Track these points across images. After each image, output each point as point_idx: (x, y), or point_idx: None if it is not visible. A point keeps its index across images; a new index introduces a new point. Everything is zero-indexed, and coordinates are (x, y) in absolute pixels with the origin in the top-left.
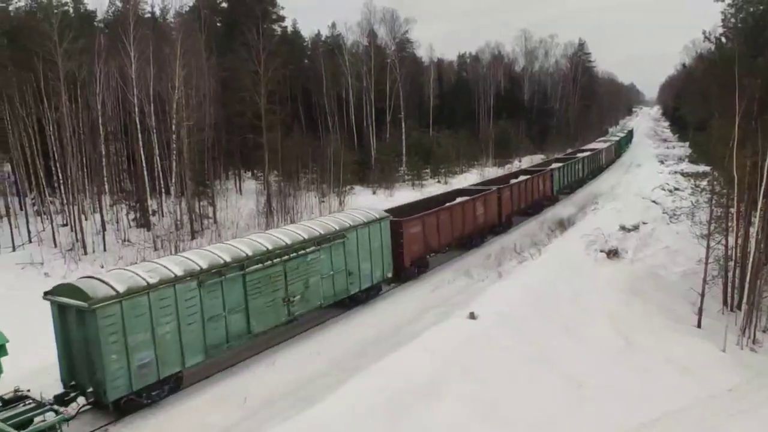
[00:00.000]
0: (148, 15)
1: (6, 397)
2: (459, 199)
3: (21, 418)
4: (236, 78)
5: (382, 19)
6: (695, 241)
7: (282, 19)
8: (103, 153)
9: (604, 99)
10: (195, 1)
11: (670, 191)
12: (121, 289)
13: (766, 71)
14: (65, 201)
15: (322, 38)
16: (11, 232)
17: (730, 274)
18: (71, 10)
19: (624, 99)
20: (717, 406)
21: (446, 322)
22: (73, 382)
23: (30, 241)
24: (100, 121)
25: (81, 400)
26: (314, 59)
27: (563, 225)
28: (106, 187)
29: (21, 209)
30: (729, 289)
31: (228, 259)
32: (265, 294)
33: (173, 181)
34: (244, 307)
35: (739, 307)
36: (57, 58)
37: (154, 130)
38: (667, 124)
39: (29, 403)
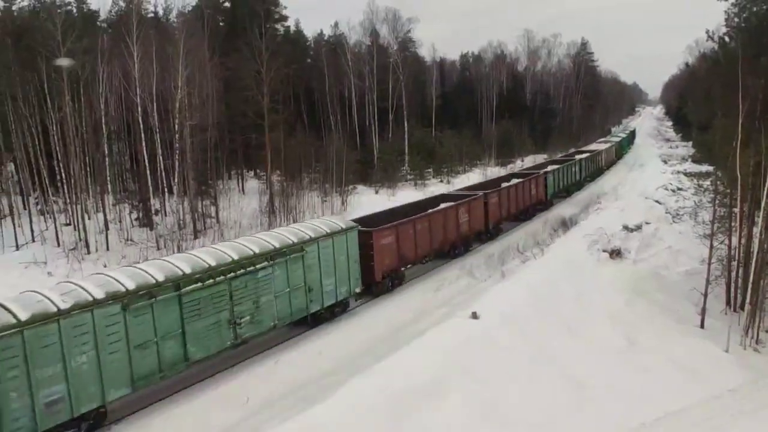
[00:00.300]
0: (151, 15)
1: None
2: (443, 205)
3: None
4: (239, 77)
5: (384, 18)
6: (698, 241)
7: (285, 18)
8: (106, 152)
9: (607, 99)
10: (198, 0)
11: (673, 191)
12: (23, 316)
13: None
14: (68, 200)
15: (325, 38)
16: (15, 231)
17: (733, 275)
18: (74, 10)
19: (627, 99)
20: (719, 406)
21: (448, 322)
22: None
23: (33, 241)
24: (103, 121)
25: None
26: (317, 59)
27: (566, 225)
28: (109, 186)
29: (24, 208)
30: (732, 290)
31: (160, 279)
32: (207, 316)
33: (176, 180)
34: (181, 331)
35: (742, 308)
36: (60, 57)
37: (157, 130)
38: (670, 123)
39: None
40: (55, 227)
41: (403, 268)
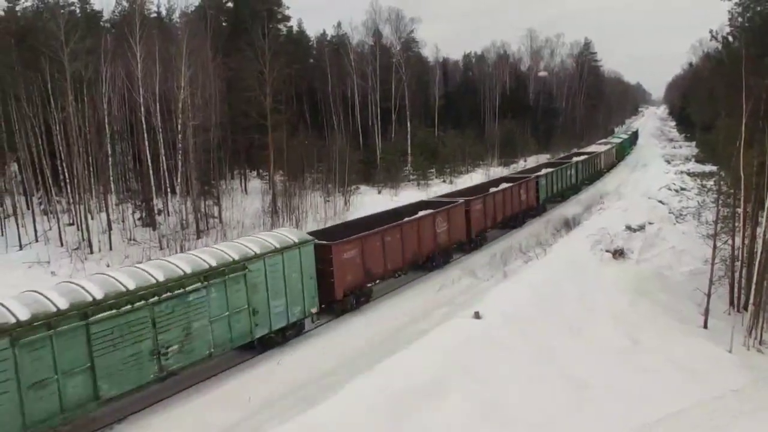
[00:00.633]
0: (154, 15)
1: None
2: (422, 213)
3: None
4: (242, 78)
5: (387, 18)
6: (701, 241)
7: (287, 18)
8: (109, 152)
9: (611, 99)
10: (200, 1)
11: (677, 191)
12: None
13: None
14: (71, 200)
15: (328, 38)
16: (18, 231)
17: (737, 275)
18: (78, 11)
19: (630, 99)
20: (722, 406)
21: (451, 322)
22: None
23: (36, 240)
24: (106, 121)
25: None
26: (320, 59)
27: (569, 225)
28: (112, 186)
29: (28, 208)
30: (735, 290)
31: (63, 306)
32: (123, 347)
33: (179, 180)
34: (89, 366)
35: (745, 308)
36: (63, 58)
37: (160, 130)
38: (673, 123)
39: None
40: (59, 227)
41: (370, 284)
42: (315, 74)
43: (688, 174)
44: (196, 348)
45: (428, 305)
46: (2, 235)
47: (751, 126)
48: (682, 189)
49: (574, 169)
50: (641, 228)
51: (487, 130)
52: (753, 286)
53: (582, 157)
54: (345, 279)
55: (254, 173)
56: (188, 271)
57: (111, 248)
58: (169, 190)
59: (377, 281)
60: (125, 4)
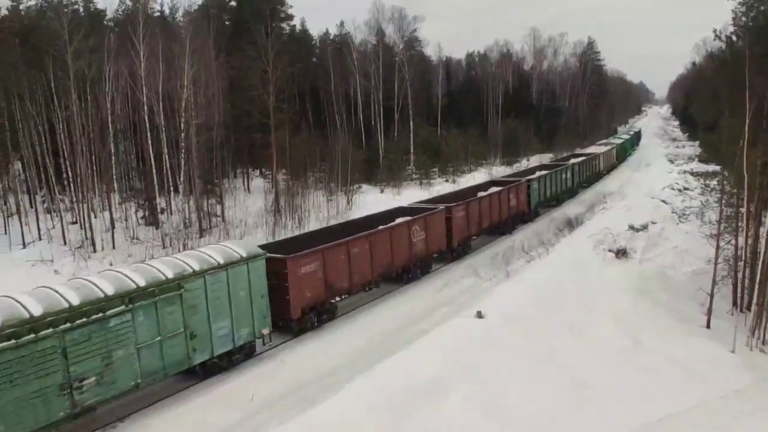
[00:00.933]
0: (157, 14)
1: None
2: (399, 220)
3: None
4: (245, 77)
5: (390, 17)
6: (704, 241)
7: (290, 17)
8: (113, 151)
9: (614, 98)
10: (204, 0)
11: (680, 191)
12: None
13: None
14: (75, 199)
15: (331, 37)
16: (21, 229)
17: (740, 275)
18: (81, 9)
19: (633, 98)
20: (725, 407)
21: (453, 321)
22: None
23: (40, 239)
24: (109, 120)
25: None
26: (322, 58)
27: (571, 224)
28: (115, 185)
29: (31, 207)
30: (739, 290)
31: None
32: (25, 382)
33: (182, 179)
34: None
35: (748, 308)
36: (67, 57)
37: (163, 129)
38: (676, 123)
39: None
40: (62, 226)
41: (334, 300)
42: (318, 73)
43: (692, 174)
44: (118, 379)
45: (429, 305)
46: (5, 233)
47: (755, 125)
48: (685, 189)
49: (570, 171)
50: (644, 228)
51: (489, 130)
52: (756, 286)
53: (579, 159)
54: (303, 296)
55: (257, 172)
56: (110, 292)
57: (114, 247)
58: (172, 188)
59: (343, 296)
60: (128, 3)
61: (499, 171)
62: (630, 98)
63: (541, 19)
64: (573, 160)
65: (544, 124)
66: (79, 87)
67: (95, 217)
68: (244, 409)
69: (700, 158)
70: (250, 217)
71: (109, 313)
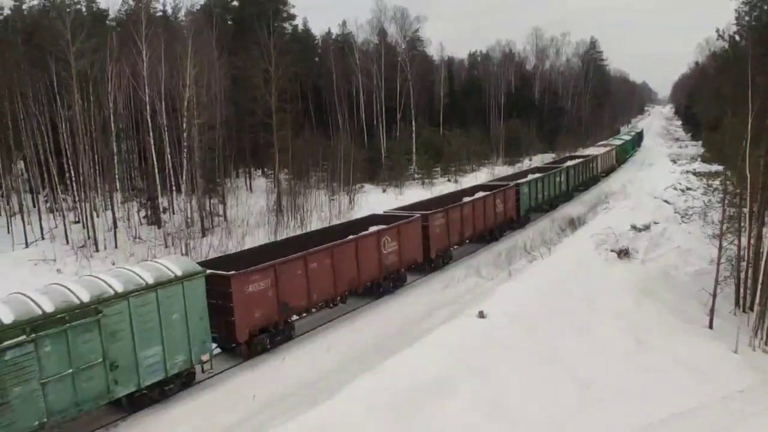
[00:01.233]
0: (160, 14)
1: None
2: (373, 228)
3: None
4: (247, 76)
5: (392, 17)
6: (707, 241)
7: (293, 17)
8: (115, 151)
9: (617, 98)
10: None
11: (682, 191)
12: None
13: None
14: (77, 198)
15: (333, 36)
16: (24, 228)
17: (743, 275)
18: (84, 9)
19: (636, 98)
20: (728, 407)
21: (455, 321)
22: None
23: (42, 238)
24: (111, 119)
25: None
26: (325, 57)
27: (574, 224)
28: (118, 184)
29: (34, 206)
30: (741, 290)
31: None
32: None
33: (184, 178)
34: None
35: (751, 308)
36: (69, 56)
37: (166, 128)
38: (679, 122)
39: None
40: (64, 225)
41: (291, 319)
42: (320, 73)
43: (694, 173)
44: (17, 419)
45: (432, 304)
46: (8, 232)
47: (758, 125)
48: (688, 188)
49: (565, 174)
50: (647, 228)
51: (492, 130)
52: (759, 287)
53: (574, 162)
54: (251, 316)
55: (259, 172)
56: (8, 320)
57: (116, 246)
58: (174, 188)
59: (303, 314)
60: (131, 2)
61: (502, 171)
62: (633, 98)
63: (544, 19)
64: (569, 163)
65: (546, 124)
66: (82, 86)
67: (98, 216)
68: (248, 407)
69: (703, 158)
70: (252, 216)
71: (4, 344)
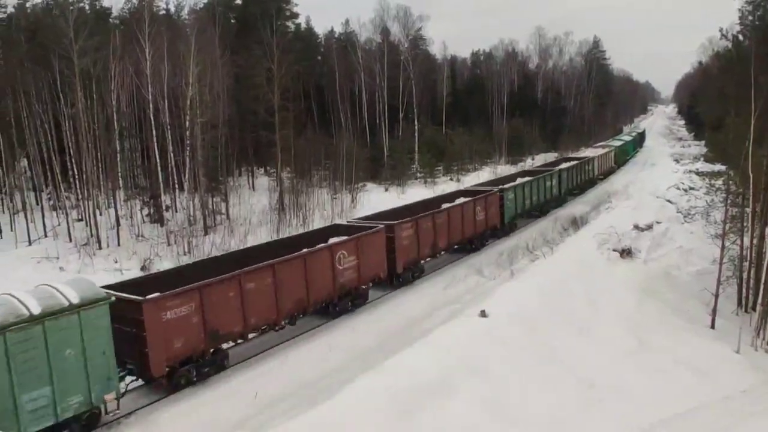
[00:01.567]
0: (163, 12)
1: None
2: (333, 240)
3: None
4: (250, 75)
5: (395, 16)
6: (710, 241)
7: (296, 16)
8: (118, 149)
9: (619, 97)
10: None
11: (685, 190)
12: None
13: None
14: (80, 196)
15: (336, 35)
16: (27, 226)
17: (745, 275)
18: (87, 7)
19: (639, 97)
20: (730, 407)
21: (457, 320)
22: None
23: (45, 236)
24: (114, 118)
25: None
26: (327, 56)
27: (576, 224)
28: (121, 182)
29: (37, 204)
30: (744, 290)
31: None
32: None
33: (187, 177)
34: None
35: (753, 308)
36: (73, 54)
37: (168, 127)
38: (682, 122)
39: None
40: (67, 223)
41: (226, 345)
42: (323, 71)
43: (697, 173)
44: None
45: (433, 304)
46: (12, 230)
47: (761, 125)
48: (691, 188)
49: (557, 178)
50: (649, 227)
51: (494, 129)
52: (761, 287)
53: (567, 165)
54: (169, 347)
55: (262, 170)
56: None
57: (119, 244)
58: (177, 186)
59: (238, 341)
60: (134, 1)
61: (504, 170)
62: (636, 97)
63: (546, 18)
64: (563, 165)
65: (549, 123)
66: (85, 84)
67: (100, 214)
68: (250, 405)
69: (706, 158)
70: (254, 215)
71: None
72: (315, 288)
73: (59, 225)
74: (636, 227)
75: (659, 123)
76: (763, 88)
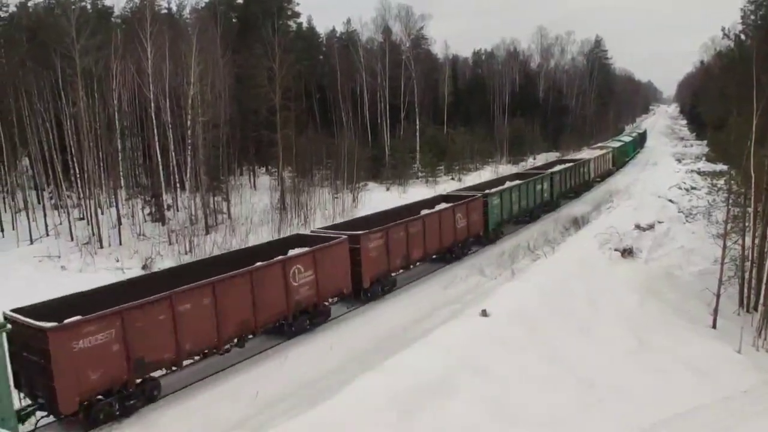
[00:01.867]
0: (165, 11)
1: None
2: (294, 252)
3: None
4: (251, 74)
5: (397, 15)
6: (711, 240)
7: (297, 15)
8: (119, 148)
9: (621, 97)
10: None
11: (687, 190)
12: None
13: None
14: (82, 195)
15: (337, 34)
16: (29, 225)
17: (747, 275)
18: (89, 6)
19: (641, 97)
20: (731, 407)
21: (458, 320)
22: None
23: (47, 235)
24: (116, 117)
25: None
26: (329, 56)
27: (577, 223)
28: (122, 181)
29: (39, 203)
30: (745, 290)
31: None
32: None
33: (188, 176)
34: None
35: (755, 308)
36: (74, 54)
37: (170, 126)
38: (684, 122)
39: None
40: (69, 222)
41: (155, 373)
42: (324, 71)
43: (699, 173)
44: None
45: (434, 304)
46: (13, 229)
47: (763, 125)
48: (693, 188)
49: (548, 182)
50: (651, 227)
51: (496, 128)
52: (763, 287)
53: (559, 168)
54: (84, 380)
55: (263, 169)
56: None
57: (120, 243)
58: (178, 185)
59: (173, 368)
60: (136, 0)
61: (505, 170)
62: (637, 97)
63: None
64: (557, 167)
65: (550, 123)
66: (87, 84)
67: (102, 213)
68: (250, 404)
69: (708, 157)
70: (255, 214)
71: None
72: (264, 307)
73: (61, 224)
74: (637, 227)
75: (661, 122)
76: (765, 87)
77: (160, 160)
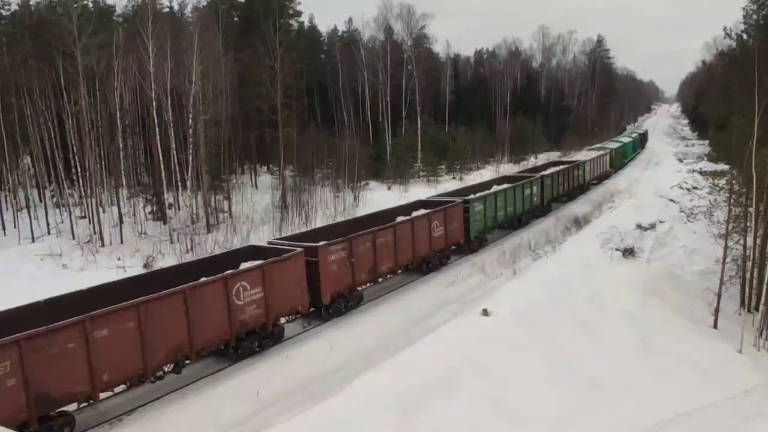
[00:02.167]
0: (166, 10)
1: None
2: (245, 266)
3: None
4: (253, 73)
5: (398, 14)
6: (713, 240)
7: (299, 14)
8: (121, 146)
9: (623, 96)
10: None
11: (688, 190)
12: None
13: None
14: (83, 193)
15: (339, 33)
16: (30, 223)
17: (748, 275)
18: (90, 5)
19: (643, 96)
20: (733, 407)
21: (460, 319)
22: None
23: (49, 233)
24: (118, 115)
25: None
26: (331, 54)
27: (579, 223)
28: (124, 180)
29: (40, 201)
30: (747, 290)
31: None
32: None
33: (189, 174)
34: None
35: (756, 308)
36: (76, 52)
37: (171, 124)
38: (686, 121)
39: None
40: (70, 220)
41: (68, 410)
42: (326, 69)
43: (700, 173)
44: None
45: (436, 302)
46: (15, 227)
47: (764, 125)
48: (694, 188)
49: (538, 185)
50: (652, 227)
51: (497, 127)
52: (764, 287)
53: (550, 171)
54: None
55: (264, 168)
56: None
57: (122, 242)
58: (179, 184)
59: (90, 401)
60: None
61: (507, 169)
62: (639, 96)
63: (549, 18)
64: (551, 169)
65: (552, 122)
66: (88, 82)
67: (103, 211)
68: (253, 402)
69: (710, 157)
70: (257, 213)
71: None
72: (202, 329)
73: (62, 222)
74: (639, 227)
75: (663, 122)
76: (767, 87)
77: (161, 158)
